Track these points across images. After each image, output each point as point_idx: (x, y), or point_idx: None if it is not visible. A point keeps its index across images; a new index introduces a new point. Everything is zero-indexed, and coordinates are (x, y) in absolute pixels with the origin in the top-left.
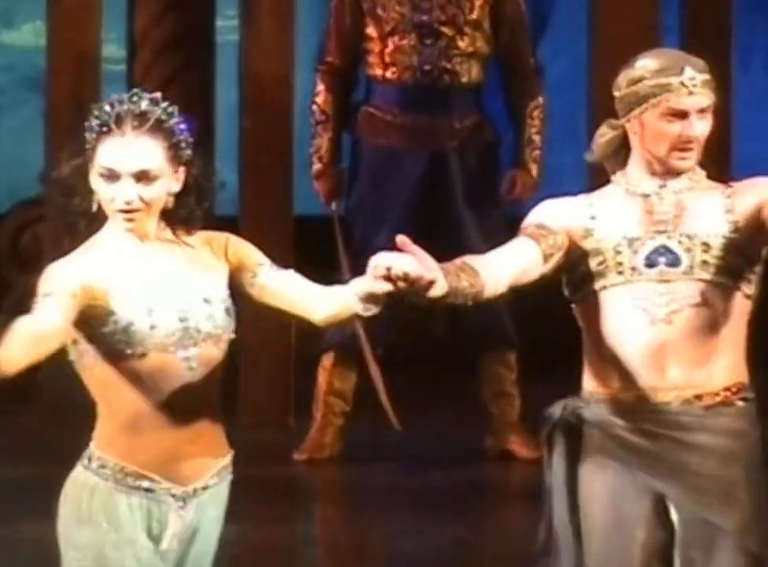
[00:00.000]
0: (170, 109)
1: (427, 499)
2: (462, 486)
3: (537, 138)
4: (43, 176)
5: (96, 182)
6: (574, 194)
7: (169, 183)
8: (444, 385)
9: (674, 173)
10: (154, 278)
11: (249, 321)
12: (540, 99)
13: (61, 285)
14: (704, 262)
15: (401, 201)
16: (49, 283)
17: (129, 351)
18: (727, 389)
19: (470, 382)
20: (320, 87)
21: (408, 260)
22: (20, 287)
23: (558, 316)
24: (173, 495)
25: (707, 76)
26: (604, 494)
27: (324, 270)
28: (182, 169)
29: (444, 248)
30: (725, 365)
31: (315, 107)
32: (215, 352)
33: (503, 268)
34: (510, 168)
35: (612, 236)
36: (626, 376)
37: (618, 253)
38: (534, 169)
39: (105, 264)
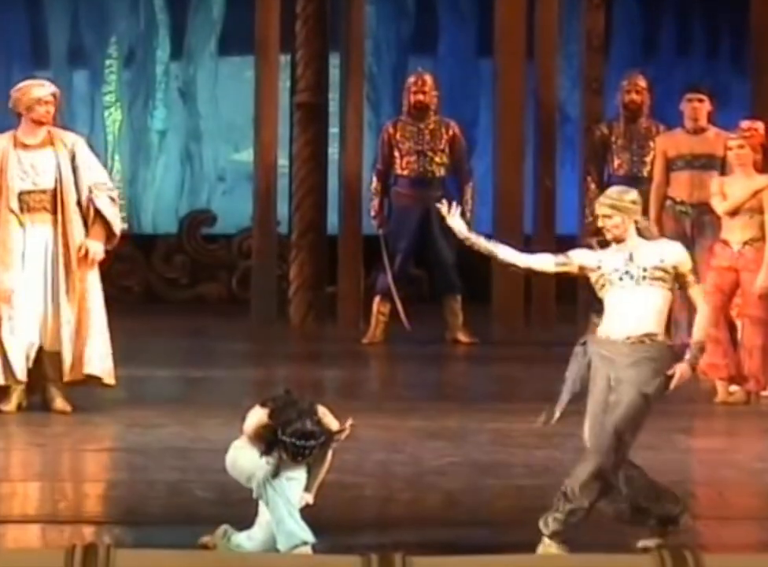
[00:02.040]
0: (318, 440)
1: (422, 358)
2: (435, 354)
3: (470, 201)
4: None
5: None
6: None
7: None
8: (427, 309)
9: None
10: None
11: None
12: (471, 183)
13: None
14: (653, 278)
15: (410, 230)
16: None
17: None
18: (643, 335)
19: (438, 309)
20: (374, 179)
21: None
22: (242, 267)
23: (483, 276)
24: None
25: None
26: (592, 375)
27: (375, 263)
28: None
29: (430, 249)
30: (639, 325)
31: (372, 188)
32: None
33: (515, 254)
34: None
35: (610, 269)
36: (608, 328)
37: (611, 274)
38: (468, 215)
39: None
